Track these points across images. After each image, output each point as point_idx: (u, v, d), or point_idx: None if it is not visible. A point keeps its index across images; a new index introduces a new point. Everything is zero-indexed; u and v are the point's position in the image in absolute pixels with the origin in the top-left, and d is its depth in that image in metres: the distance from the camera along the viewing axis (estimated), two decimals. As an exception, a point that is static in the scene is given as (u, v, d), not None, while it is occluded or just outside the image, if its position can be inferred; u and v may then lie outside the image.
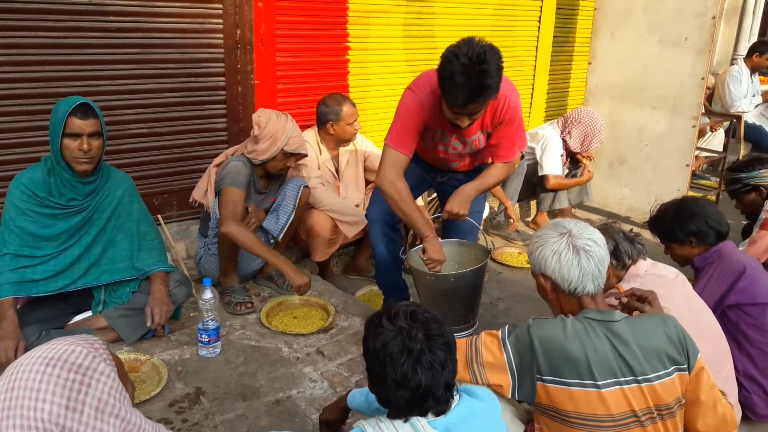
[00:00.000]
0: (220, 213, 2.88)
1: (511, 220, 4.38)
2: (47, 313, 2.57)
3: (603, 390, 1.58)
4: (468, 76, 2.10)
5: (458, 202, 2.53)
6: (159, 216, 3.41)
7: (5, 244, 2.46)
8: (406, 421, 1.38)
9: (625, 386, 1.59)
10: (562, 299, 1.78)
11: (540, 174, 4.58)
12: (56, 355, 1.30)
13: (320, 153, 3.54)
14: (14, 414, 1.22)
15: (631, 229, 2.37)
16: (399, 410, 1.39)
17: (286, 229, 3.06)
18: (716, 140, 6.19)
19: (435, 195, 3.85)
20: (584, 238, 1.72)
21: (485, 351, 1.68)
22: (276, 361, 2.65)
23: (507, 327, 1.70)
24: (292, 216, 3.06)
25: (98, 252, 2.64)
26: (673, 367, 1.65)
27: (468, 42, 2.16)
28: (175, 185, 3.53)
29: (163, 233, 3.37)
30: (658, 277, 2.15)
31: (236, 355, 2.68)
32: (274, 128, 2.93)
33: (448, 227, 2.90)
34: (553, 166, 4.53)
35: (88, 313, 2.72)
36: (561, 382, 1.60)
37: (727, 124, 6.13)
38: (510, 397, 1.65)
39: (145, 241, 2.76)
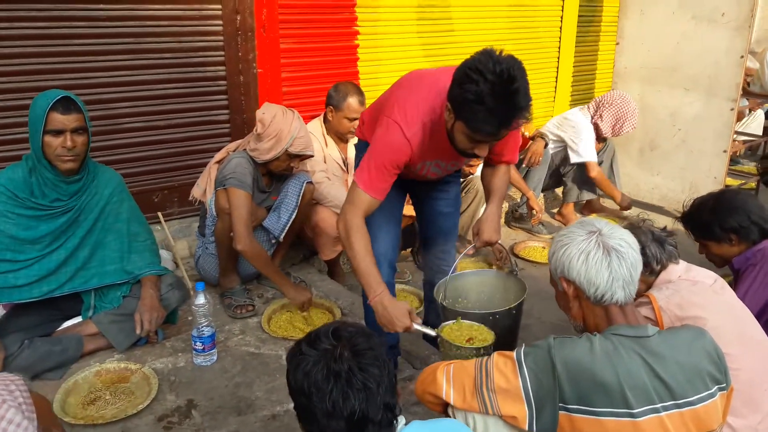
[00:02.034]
0: (233, 226, 2.69)
1: (534, 212, 4.12)
2: (33, 320, 2.42)
3: (638, 419, 1.35)
4: (499, 97, 1.72)
5: (493, 229, 2.24)
6: (159, 213, 3.26)
7: (-15, 248, 2.32)
8: None
9: (663, 413, 1.36)
10: (585, 309, 1.54)
11: (575, 161, 4.28)
12: None
13: (326, 145, 3.34)
14: None
15: (665, 227, 2.11)
16: None
17: (287, 228, 2.87)
18: (755, 123, 5.80)
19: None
20: (616, 237, 1.49)
21: (497, 375, 1.46)
22: (275, 370, 2.46)
23: (523, 348, 1.47)
24: (295, 214, 2.86)
25: (86, 255, 2.48)
26: (715, 387, 1.42)
27: (488, 56, 1.75)
28: (175, 181, 3.37)
29: (164, 231, 3.21)
30: (694, 283, 1.89)
31: (233, 364, 2.50)
32: (279, 127, 2.72)
33: (429, 229, 2.54)
34: (591, 152, 4.24)
35: (78, 319, 2.56)
36: (589, 412, 1.37)
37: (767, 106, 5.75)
38: (527, 429, 1.43)
39: (136, 242, 2.59)
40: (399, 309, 1.96)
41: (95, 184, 2.48)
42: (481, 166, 3.79)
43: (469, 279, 2.43)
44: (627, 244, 1.50)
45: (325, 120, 3.35)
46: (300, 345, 1.26)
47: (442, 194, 2.47)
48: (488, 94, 1.71)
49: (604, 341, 1.42)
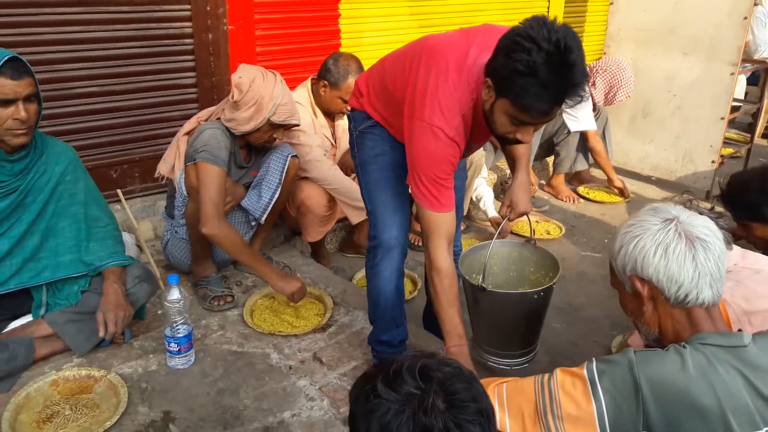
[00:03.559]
0: (201, 203, 2.33)
1: (531, 186, 3.84)
2: (-28, 322, 2.04)
3: None
4: (554, 68, 1.44)
5: (528, 199, 2.06)
6: (119, 191, 2.86)
7: None
8: None
9: None
10: (663, 313, 1.28)
11: (575, 130, 4.02)
12: None
13: (315, 116, 2.96)
14: None
15: (712, 208, 1.86)
16: None
17: (270, 208, 2.52)
18: (738, 88, 5.65)
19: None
20: (698, 225, 1.24)
21: (565, 399, 1.18)
22: (263, 371, 2.15)
23: (595, 363, 1.19)
24: (278, 193, 2.51)
25: (35, 243, 2.10)
26: None
27: (542, 23, 1.46)
28: (136, 154, 2.97)
29: (124, 211, 2.83)
30: (756, 271, 1.65)
31: (214, 366, 2.18)
32: (259, 93, 2.34)
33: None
34: (591, 120, 4.00)
35: (28, 318, 2.19)
36: None
37: (749, 72, 5.59)
38: None
39: (95, 228, 2.22)
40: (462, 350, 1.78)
41: (44, 161, 2.09)
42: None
43: (493, 251, 2.15)
44: (711, 232, 1.25)
45: (314, 92, 2.96)
46: (374, 381, 0.94)
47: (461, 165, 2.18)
48: (542, 65, 1.43)
49: (696, 354, 1.16)
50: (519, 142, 1.66)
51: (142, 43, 2.80)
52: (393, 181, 1.99)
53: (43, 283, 2.15)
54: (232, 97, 2.34)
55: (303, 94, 2.94)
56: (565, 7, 4.72)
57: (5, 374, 2.00)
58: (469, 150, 1.93)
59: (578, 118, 3.95)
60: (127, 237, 2.82)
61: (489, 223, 3.65)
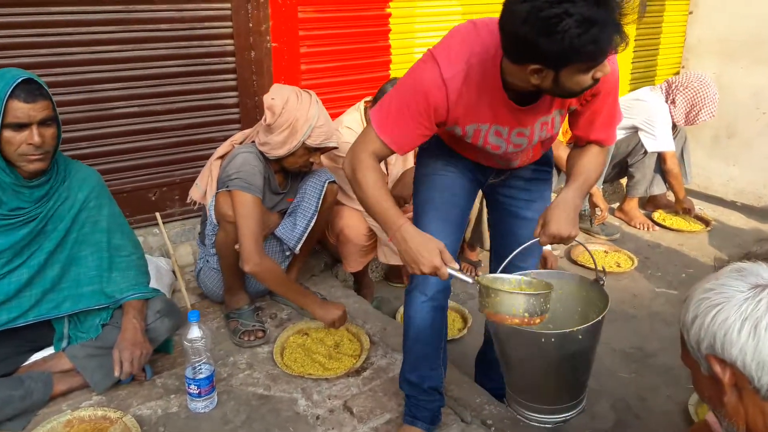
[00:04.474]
0: (240, 241, 2.19)
1: (599, 211, 3.52)
2: (-9, 355, 1.95)
3: None
4: (595, 3, 1.26)
5: (565, 220, 1.55)
6: (157, 214, 2.77)
7: (-72, 267, 1.85)
8: None
9: None
10: (750, 406, 1.00)
11: (652, 150, 3.68)
12: None
13: None
14: None
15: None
16: None
17: (305, 237, 2.34)
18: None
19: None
20: None
21: None
22: (288, 420, 1.96)
23: None
24: (313, 221, 2.34)
25: (56, 273, 2.00)
26: None
27: None
28: (176, 176, 2.87)
29: (162, 236, 2.73)
30: None
31: (237, 410, 2.01)
32: (293, 115, 2.17)
33: (499, 236, 1.99)
34: (669, 141, 3.65)
35: (50, 350, 2.09)
36: None
37: None
38: None
39: (118, 257, 2.10)
40: (428, 244, 1.49)
41: (66, 186, 2.00)
42: None
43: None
44: None
45: (367, 117, 2.74)
46: None
47: (520, 191, 1.89)
48: (585, 8, 1.25)
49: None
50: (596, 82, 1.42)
51: (182, 62, 2.71)
52: (440, 203, 1.80)
53: (64, 315, 2.05)
54: (265, 120, 2.18)
55: (355, 117, 2.74)
56: (638, 16, 4.37)
57: (20, 412, 1.90)
58: (479, 134, 1.62)
59: (656, 136, 3.60)
60: (162, 262, 2.72)
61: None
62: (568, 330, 1.51)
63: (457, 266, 1.50)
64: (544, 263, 3.09)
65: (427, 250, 1.47)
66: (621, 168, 3.91)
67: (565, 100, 1.58)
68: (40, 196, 1.93)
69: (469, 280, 1.48)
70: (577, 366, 1.67)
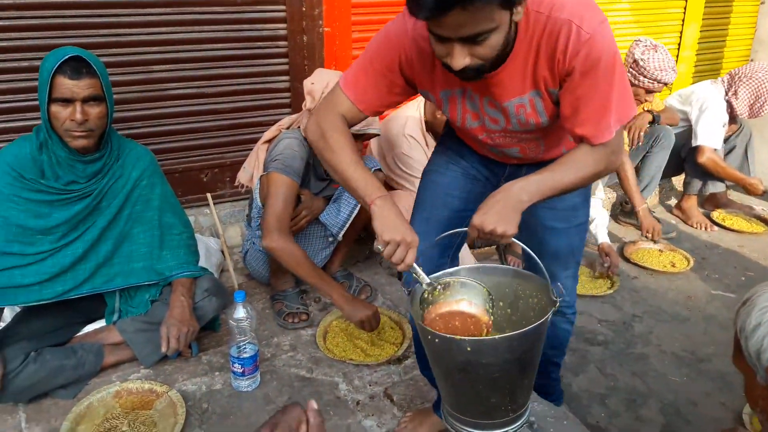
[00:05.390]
0: (263, 214, 2.20)
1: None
2: (46, 326, 2.02)
3: None
4: None
5: (494, 213, 1.31)
6: (208, 195, 2.81)
7: (-12, 239, 1.92)
8: None
9: None
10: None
11: (693, 145, 3.54)
12: None
13: (426, 145, 2.71)
14: None
15: None
16: None
17: (348, 224, 2.33)
18: None
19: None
20: None
21: None
22: (329, 404, 1.97)
23: None
24: (357, 208, 2.32)
25: (108, 249, 2.06)
26: None
27: None
28: (227, 158, 2.90)
29: (212, 216, 2.77)
30: None
31: (279, 390, 2.02)
32: None
33: (529, 244, 1.66)
34: (710, 135, 3.47)
35: (101, 323, 2.16)
36: None
37: None
38: None
39: (169, 235, 2.14)
40: (405, 222, 1.35)
41: (120, 164, 2.04)
42: None
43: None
44: None
45: (434, 116, 2.70)
46: None
47: (556, 201, 1.60)
48: None
49: None
50: (468, 74, 1.26)
51: (235, 45, 2.73)
52: (429, 204, 1.71)
53: (115, 289, 2.10)
54: (305, 104, 2.18)
55: (414, 116, 2.71)
56: (705, 7, 4.18)
57: (72, 380, 1.97)
58: (455, 107, 1.48)
59: (696, 133, 3.46)
60: (212, 242, 2.77)
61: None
62: (489, 338, 1.29)
63: (420, 264, 1.35)
64: (605, 258, 3.00)
65: (407, 227, 1.33)
66: (677, 163, 3.75)
67: (538, 79, 1.36)
68: (93, 172, 1.97)
69: (426, 279, 1.34)
70: (517, 373, 1.34)
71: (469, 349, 1.22)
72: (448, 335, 1.25)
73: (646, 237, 3.35)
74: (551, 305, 1.30)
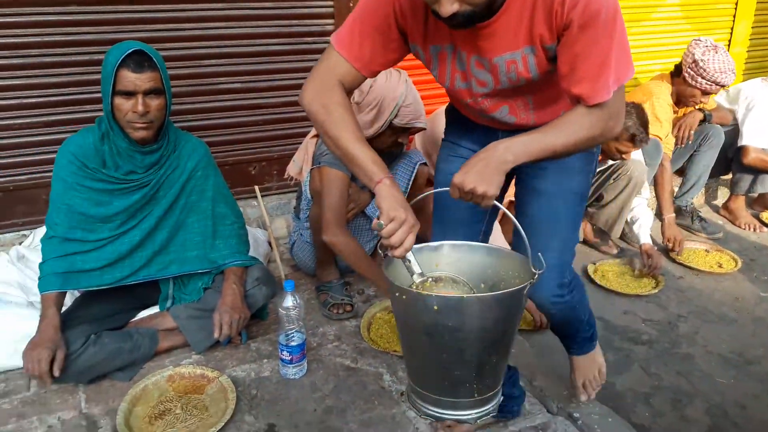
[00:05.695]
0: (321, 209, 2.24)
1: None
2: (105, 310, 2.10)
3: None
4: None
5: (476, 171, 1.28)
6: (256, 187, 2.87)
7: (53, 225, 2.01)
8: None
9: None
10: None
11: (739, 144, 3.47)
12: None
13: None
14: None
15: None
16: None
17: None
18: None
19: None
20: None
21: None
22: (373, 394, 2.00)
23: None
24: (404, 195, 2.35)
25: (164, 237, 2.13)
26: None
27: None
28: (275, 151, 2.97)
29: (260, 208, 2.84)
30: None
31: (325, 380, 2.07)
32: (381, 93, 2.19)
33: (517, 213, 1.67)
34: (756, 134, 3.40)
35: (155, 309, 2.24)
36: None
37: None
38: None
39: (222, 225, 2.20)
40: (409, 207, 1.31)
41: (177, 156, 2.11)
42: (637, 154, 3.06)
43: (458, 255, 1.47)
44: None
45: None
46: None
47: (548, 163, 1.52)
48: None
49: None
50: (458, 21, 1.21)
51: (284, 40, 2.79)
52: (441, 206, 1.73)
53: (170, 276, 2.18)
54: (354, 98, 2.21)
55: None
56: (757, 2, 4.08)
57: (128, 363, 2.04)
58: (444, 65, 1.43)
59: (742, 132, 3.38)
60: (259, 233, 2.83)
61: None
62: (458, 295, 1.26)
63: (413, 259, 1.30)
64: (647, 259, 2.96)
65: (410, 213, 1.29)
66: (726, 163, 3.68)
67: (533, 32, 1.30)
68: (151, 162, 2.04)
69: (418, 269, 1.30)
70: (488, 344, 1.29)
71: (436, 308, 1.20)
72: (415, 290, 1.24)
73: (666, 246, 3.27)
74: (529, 275, 1.28)
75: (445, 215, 1.69)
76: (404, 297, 1.25)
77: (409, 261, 1.30)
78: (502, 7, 1.26)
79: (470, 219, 1.70)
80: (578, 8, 1.21)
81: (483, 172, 1.26)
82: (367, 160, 1.33)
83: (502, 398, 1.42)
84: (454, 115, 1.71)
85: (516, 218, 1.34)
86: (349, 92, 1.41)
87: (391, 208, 1.27)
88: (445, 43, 1.38)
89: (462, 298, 1.23)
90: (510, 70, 1.36)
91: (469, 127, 1.66)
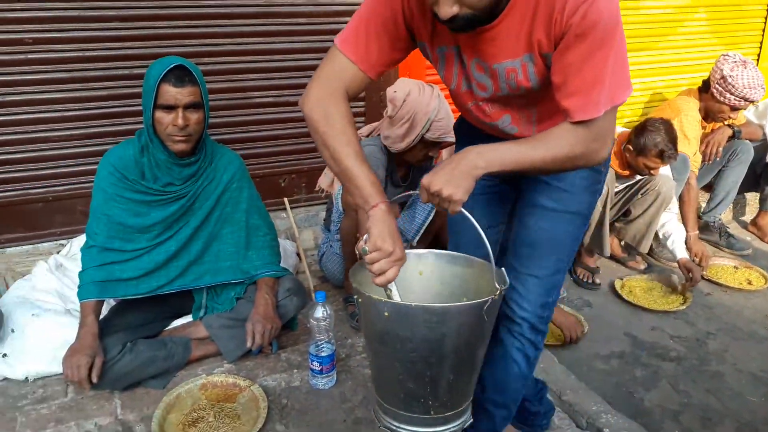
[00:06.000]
0: (359, 222, 2.27)
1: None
2: (140, 318, 2.15)
3: None
4: None
5: (444, 174, 1.23)
6: (285, 199, 2.93)
7: (92, 235, 2.07)
8: None
9: None
10: None
11: (767, 161, 3.45)
12: None
13: None
14: None
15: None
16: None
17: (423, 230, 2.39)
18: None
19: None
20: None
21: None
22: (403, 406, 2.02)
23: None
24: (432, 214, 2.38)
25: (199, 248, 2.18)
26: None
27: None
28: (304, 164, 3.02)
29: (289, 219, 2.88)
30: None
31: (354, 390, 2.09)
32: (413, 108, 2.22)
33: (511, 229, 1.62)
34: None
35: (188, 318, 2.28)
36: None
37: None
38: None
39: (255, 236, 2.25)
40: (400, 239, 1.28)
41: (213, 168, 2.16)
42: (665, 170, 3.05)
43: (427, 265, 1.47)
44: None
45: None
46: None
47: (541, 182, 1.51)
48: None
49: None
50: (458, 25, 1.19)
51: (316, 56, 2.83)
52: (456, 229, 1.68)
53: (204, 286, 2.22)
54: (387, 112, 2.25)
55: None
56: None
57: (162, 371, 2.09)
58: (450, 67, 1.41)
59: None
60: (288, 245, 2.87)
61: (677, 265, 3.13)
62: (435, 305, 1.21)
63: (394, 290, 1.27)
64: (688, 273, 2.94)
65: (400, 240, 1.27)
66: (754, 178, 3.65)
67: (532, 40, 1.26)
68: (188, 174, 2.10)
69: (398, 299, 1.26)
70: (429, 360, 1.26)
71: (387, 314, 1.19)
72: (368, 293, 1.22)
73: (693, 261, 3.19)
74: (501, 283, 1.25)
75: (460, 241, 1.62)
76: (360, 300, 1.27)
77: (390, 290, 1.27)
78: (504, 11, 1.24)
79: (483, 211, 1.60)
80: (578, 15, 1.16)
81: (451, 175, 1.22)
82: (366, 181, 1.28)
83: (470, 422, 1.38)
84: (463, 129, 1.69)
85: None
86: (352, 98, 1.37)
87: (380, 236, 1.23)
88: (451, 45, 1.36)
89: (409, 306, 1.20)
90: (510, 78, 1.32)
91: (476, 142, 1.64)
